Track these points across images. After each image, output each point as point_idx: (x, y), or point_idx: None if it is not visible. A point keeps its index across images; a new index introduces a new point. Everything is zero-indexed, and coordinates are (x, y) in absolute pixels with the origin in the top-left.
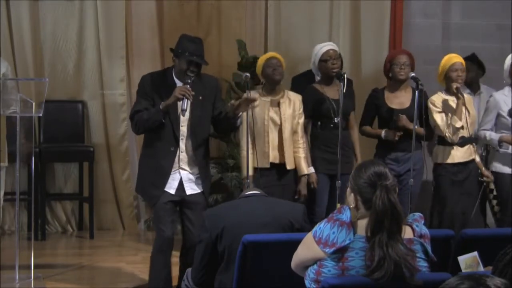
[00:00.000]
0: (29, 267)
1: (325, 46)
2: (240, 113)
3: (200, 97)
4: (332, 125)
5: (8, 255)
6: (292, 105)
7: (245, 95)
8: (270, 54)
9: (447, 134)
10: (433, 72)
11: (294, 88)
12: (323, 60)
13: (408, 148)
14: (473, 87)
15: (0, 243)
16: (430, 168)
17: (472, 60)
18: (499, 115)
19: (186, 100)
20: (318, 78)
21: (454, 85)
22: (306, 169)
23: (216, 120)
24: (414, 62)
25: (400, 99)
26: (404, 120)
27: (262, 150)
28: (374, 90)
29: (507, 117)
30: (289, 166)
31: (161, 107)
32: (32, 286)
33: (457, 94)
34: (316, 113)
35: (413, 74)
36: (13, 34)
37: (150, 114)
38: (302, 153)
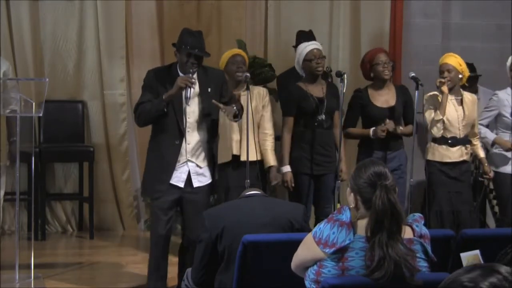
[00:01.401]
0: (29, 267)
1: (310, 46)
2: (238, 118)
3: (209, 89)
4: (316, 124)
5: (8, 255)
6: (254, 98)
7: (222, 109)
8: (235, 50)
9: (430, 129)
10: (433, 72)
11: (279, 86)
12: (308, 59)
13: (393, 147)
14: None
15: (0, 243)
16: (418, 167)
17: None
18: (500, 114)
19: (189, 89)
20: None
21: (437, 81)
22: (273, 160)
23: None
24: (393, 59)
25: (385, 97)
26: (391, 126)
27: (224, 145)
28: (357, 90)
29: (510, 117)
30: (243, 157)
31: (164, 97)
32: (32, 286)
33: (440, 88)
34: (300, 112)
35: (413, 74)
36: (13, 34)
37: (153, 104)
38: (268, 146)
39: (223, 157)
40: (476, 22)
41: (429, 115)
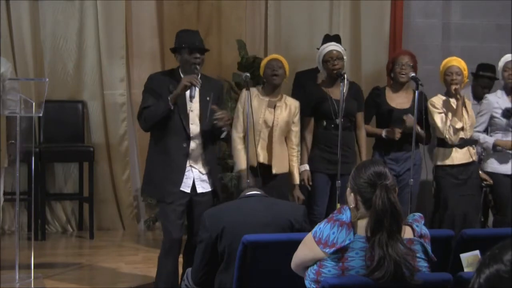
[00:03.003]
0: (29, 267)
1: (329, 47)
2: (225, 128)
3: (208, 98)
4: (333, 125)
5: (8, 255)
6: (287, 111)
7: (218, 113)
8: (273, 56)
9: (447, 135)
10: (433, 72)
11: (296, 84)
12: (325, 60)
13: (407, 147)
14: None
15: (0, 243)
16: (429, 168)
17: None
18: (492, 117)
19: (194, 87)
20: (320, 76)
21: (453, 87)
22: (297, 179)
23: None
24: (417, 64)
25: (401, 99)
26: (411, 121)
27: (252, 148)
28: (375, 88)
29: (501, 118)
30: (275, 170)
31: (169, 98)
32: (32, 286)
33: (455, 95)
34: (318, 113)
35: (413, 74)
36: (13, 34)
37: (158, 105)
38: (296, 162)
39: (250, 161)
40: (476, 22)
41: (441, 120)
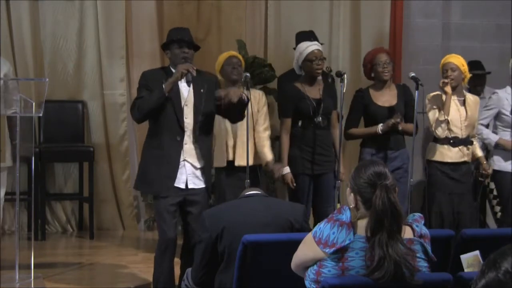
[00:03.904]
0: (29, 267)
1: (311, 46)
2: (246, 99)
3: (202, 90)
4: (312, 125)
5: (8, 255)
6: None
7: (221, 92)
8: (231, 52)
9: (433, 129)
10: (433, 72)
11: (279, 87)
12: (308, 60)
13: (395, 146)
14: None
15: (0, 243)
16: (419, 167)
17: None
18: (500, 113)
19: (189, 74)
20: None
21: (441, 81)
22: (270, 155)
23: (226, 110)
24: (394, 60)
25: (386, 97)
26: (397, 117)
27: (220, 149)
28: (359, 91)
29: (510, 115)
30: (238, 162)
31: (163, 86)
32: (32, 286)
33: (443, 89)
34: (297, 113)
35: (413, 74)
36: (13, 34)
37: (153, 93)
38: (265, 144)
39: (218, 162)
40: (476, 22)
41: (433, 115)
